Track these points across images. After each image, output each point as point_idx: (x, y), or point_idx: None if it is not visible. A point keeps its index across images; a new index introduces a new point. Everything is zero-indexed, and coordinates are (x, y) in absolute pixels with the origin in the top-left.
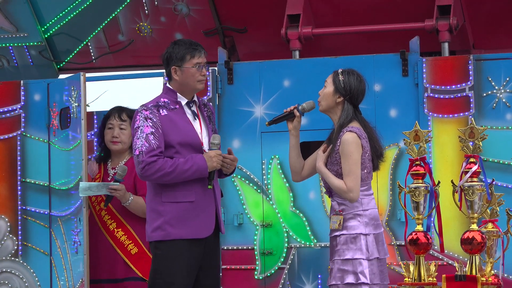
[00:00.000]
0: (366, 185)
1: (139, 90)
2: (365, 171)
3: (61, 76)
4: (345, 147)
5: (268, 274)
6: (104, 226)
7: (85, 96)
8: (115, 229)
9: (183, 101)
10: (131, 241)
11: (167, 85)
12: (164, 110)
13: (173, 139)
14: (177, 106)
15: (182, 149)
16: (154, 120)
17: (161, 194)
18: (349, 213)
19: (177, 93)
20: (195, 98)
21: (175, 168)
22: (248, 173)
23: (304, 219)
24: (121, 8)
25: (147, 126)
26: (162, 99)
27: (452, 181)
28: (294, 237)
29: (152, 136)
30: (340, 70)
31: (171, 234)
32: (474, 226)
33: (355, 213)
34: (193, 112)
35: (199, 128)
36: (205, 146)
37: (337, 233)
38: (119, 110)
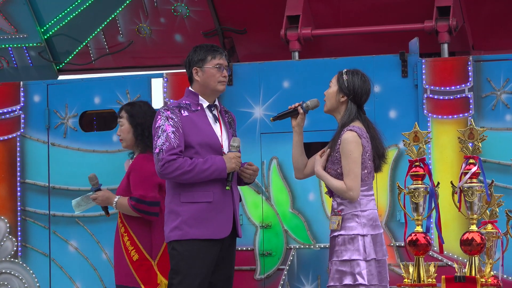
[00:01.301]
0: (367, 186)
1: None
2: (365, 171)
3: (61, 77)
4: (345, 146)
5: (268, 275)
6: (117, 231)
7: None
8: (123, 234)
9: (205, 103)
10: (133, 247)
11: (189, 88)
12: (185, 111)
13: (193, 140)
14: (199, 108)
15: (202, 150)
16: (175, 119)
17: (180, 194)
18: (347, 214)
19: (199, 96)
20: (217, 103)
21: (194, 167)
22: None
23: (303, 220)
24: (120, 9)
25: (168, 125)
26: (184, 101)
27: (451, 182)
28: (294, 238)
29: (173, 135)
30: (344, 70)
31: (188, 233)
32: (474, 227)
33: (353, 214)
34: (214, 115)
35: (220, 131)
36: (225, 149)
37: (335, 234)
38: (120, 107)
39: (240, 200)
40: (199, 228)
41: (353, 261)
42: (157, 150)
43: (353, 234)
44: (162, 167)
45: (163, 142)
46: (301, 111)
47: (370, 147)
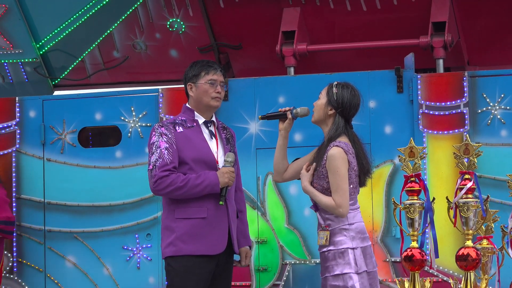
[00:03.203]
0: (352, 200)
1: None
2: (351, 186)
3: (56, 93)
4: (332, 162)
5: None
6: None
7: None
8: None
9: (201, 120)
10: None
11: (186, 104)
12: (180, 128)
13: (187, 155)
14: (194, 124)
15: (196, 166)
16: (169, 136)
17: (174, 211)
18: (335, 228)
19: (195, 112)
20: (214, 119)
21: (187, 183)
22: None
23: (299, 235)
24: (116, 24)
25: (162, 141)
26: (180, 118)
27: (447, 198)
28: (289, 253)
29: (166, 151)
30: (335, 83)
31: (182, 249)
32: (469, 243)
33: (341, 228)
34: (210, 131)
35: (215, 147)
36: (221, 165)
37: (325, 249)
38: None
39: (238, 216)
40: (193, 244)
41: (345, 275)
42: (150, 167)
43: (343, 248)
44: (155, 184)
45: (156, 159)
46: (289, 116)
47: (356, 162)
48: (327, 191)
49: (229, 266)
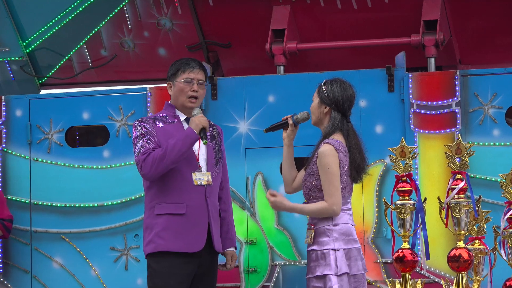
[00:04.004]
0: (343, 200)
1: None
2: (342, 185)
3: (43, 92)
4: (323, 159)
5: None
6: None
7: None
8: None
9: (182, 117)
10: None
11: (169, 101)
12: (160, 123)
13: None
14: (175, 120)
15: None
16: (150, 129)
17: (154, 207)
18: (320, 228)
19: (175, 109)
20: None
21: (165, 150)
22: (232, 190)
23: (288, 236)
24: (104, 22)
25: (142, 134)
26: (160, 114)
27: (438, 198)
28: (279, 254)
29: (148, 141)
30: (324, 81)
31: (160, 245)
32: (461, 244)
33: (325, 228)
34: None
35: (198, 144)
36: (201, 162)
37: (309, 249)
38: None
39: (220, 215)
40: (172, 241)
41: (325, 276)
42: (135, 158)
43: (326, 249)
44: (141, 169)
45: (139, 150)
46: (290, 122)
47: (348, 162)
48: (316, 189)
49: (213, 267)
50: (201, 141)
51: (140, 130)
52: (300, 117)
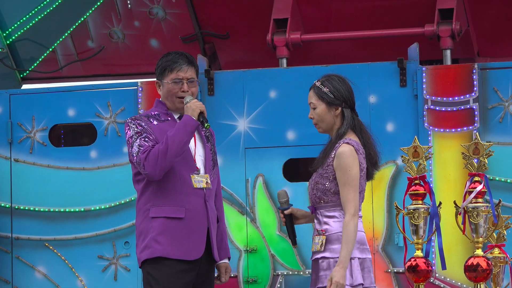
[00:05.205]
0: None
1: None
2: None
3: (25, 87)
4: (343, 161)
5: None
6: None
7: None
8: None
9: (175, 115)
10: None
11: (159, 98)
12: (154, 121)
13: None
14: (169, 118)
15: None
16: (146, 127)
17: (149, 210)
18: (333, 234)
19: (167, 107)
20: None
21: (166, 141)
22: (230, 193)
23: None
24: (90, 11)
25: (138, 132)
26: (152, 112)
27: (454, 202)
28: (281, 263)
29: (146, 139)
30: (317, 84)
31: (156, 251)
32: (479, 252)
33: (338, 234)
34: None
35: (193, 144)
36: (198, 163)
37: (318, 256)
38: None
39: (218, 221)
40: (170, 246)
41: None
42: (134, 158)
43: (339, 257)
44: (144, 169)
45: (137, 150)
46: (283, 215)
47: (365, 164)
48: (329, 192)
49: (211, 276)
50: (196, 140)
51: (135, 129)
52: (281, 199)
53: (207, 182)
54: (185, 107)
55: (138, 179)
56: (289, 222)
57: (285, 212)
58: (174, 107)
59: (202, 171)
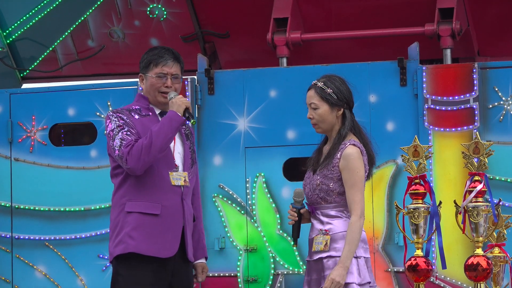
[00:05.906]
0: None
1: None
2: None
3: (25, 86)
4: (351, 162)
5: None
6: None
7: None
8: None
9: (157, 110)
10: None
11: (141, 92)
12: (136, 115)
13: None
14: (150, 113)
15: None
16: (128, 120)
17: (125, 204)
18: (338, 233)
19: (149, 101)
20: None
21: (150, 136)
22: (230, 193)
23: (292, 243)
24: (91, 10)
25: (120, 125)
26: (133, 106)
27: (455, 201)
28: (282, 262)
29: (128, 132)
30: (319, 84)
31: (129, 246)
32: (479, 251)
33: (343, 234)
34: None
35: (173, 141)
36: (177, 161)
37: (323, 255)
38: None
39: (194, 220)
40: (144, 242)
41: (347, 285)
42: (116, 152)
43: (340, 257)
44: (126, 163)
45: (119, 144)
46: (297, 214)
47: (368, 166)
48: (333, 192)
49: (189, 277)
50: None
51: (117, 122)
52: (298, 199)
53: (185, 180)
54: (170, 103)
55: (117, 172)
56: (299, 221)
57: (301, 211)
58: (156, 102)
59: (180, 168)
